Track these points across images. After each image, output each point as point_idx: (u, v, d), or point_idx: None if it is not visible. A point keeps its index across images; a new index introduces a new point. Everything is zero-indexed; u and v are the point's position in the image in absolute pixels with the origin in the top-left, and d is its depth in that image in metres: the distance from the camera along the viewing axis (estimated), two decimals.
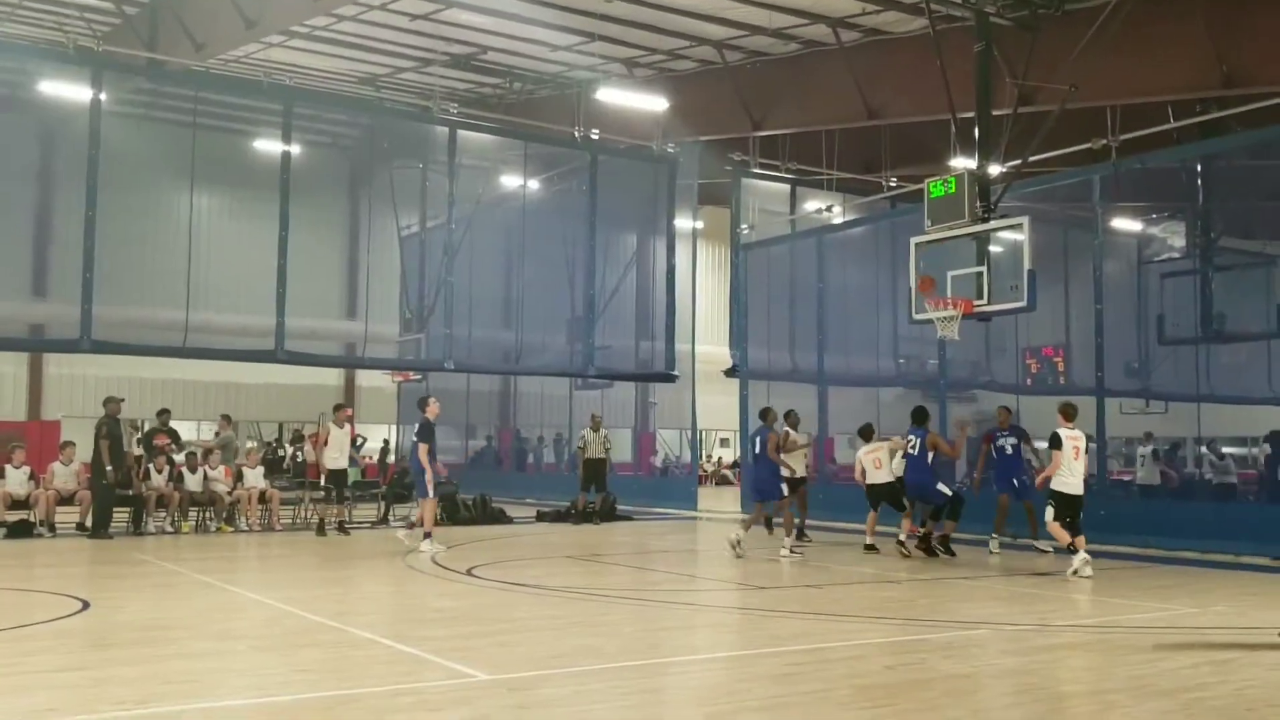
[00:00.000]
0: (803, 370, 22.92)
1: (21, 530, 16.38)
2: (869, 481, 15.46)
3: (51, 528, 16.57)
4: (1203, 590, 11.82)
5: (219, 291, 22.92)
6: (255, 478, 18.34)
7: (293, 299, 18.81)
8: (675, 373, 23.48)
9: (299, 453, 21.70)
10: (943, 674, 7.45)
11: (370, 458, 29.53)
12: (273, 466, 21.33)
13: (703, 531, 20.37)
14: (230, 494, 18.03)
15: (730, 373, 24.88)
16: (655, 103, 21.97)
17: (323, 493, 17.90)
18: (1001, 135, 15.55)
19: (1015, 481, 15.37)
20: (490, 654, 7.93)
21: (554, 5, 20.91)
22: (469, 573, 12.78)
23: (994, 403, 21.56)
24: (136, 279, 23.75)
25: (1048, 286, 17.51)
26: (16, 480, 16.75)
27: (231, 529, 17.82)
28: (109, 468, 16.57)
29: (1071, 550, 12.61)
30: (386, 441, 30.27)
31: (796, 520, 15.82)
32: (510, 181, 25.10)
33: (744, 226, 25.15)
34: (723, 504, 26.35)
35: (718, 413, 28.41)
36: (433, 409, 15.43)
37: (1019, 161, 15.53)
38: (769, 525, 17.22)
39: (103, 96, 17.52)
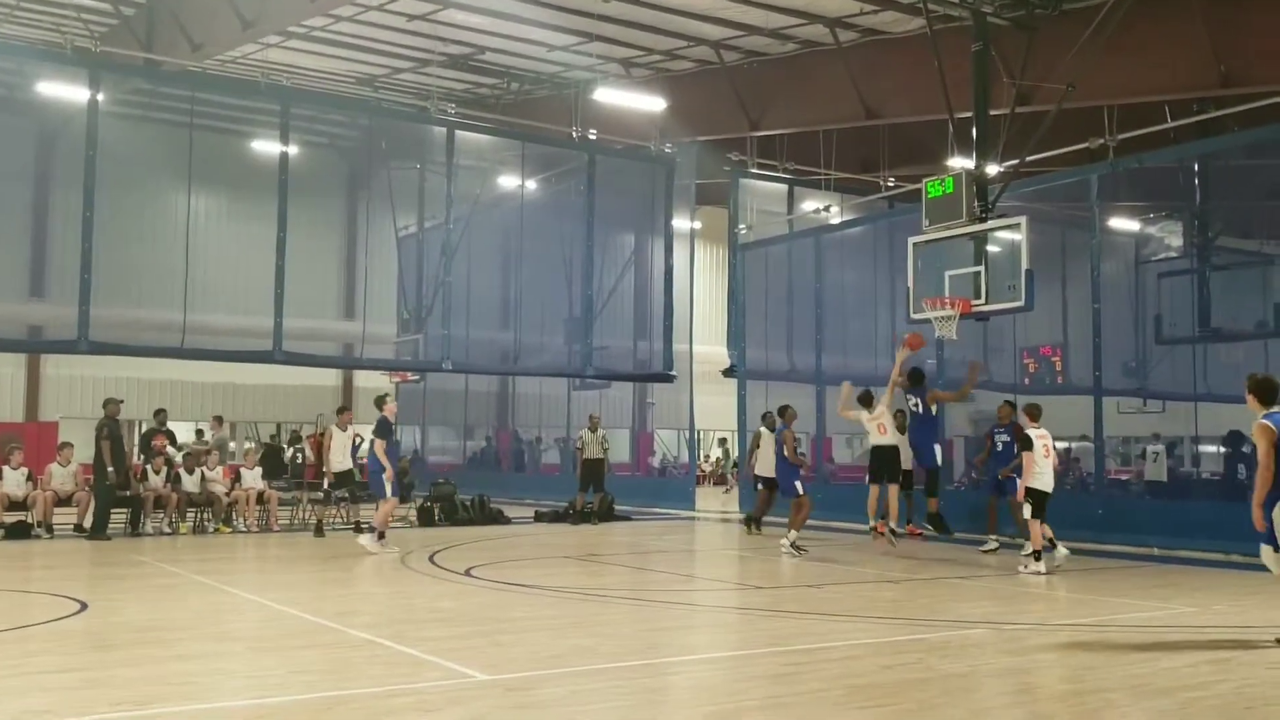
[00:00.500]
0: (800, 370, 22.91)
1: (19, 531, 16.35)
2: (873, 443, 15.27)
3: (49, 529, 16.54)
4: (1204, 588, 11.83)
5: (217, 292, 22.93)
6: (253, 479, 18.33)
7: (290, 300, 18.82)
8: (673, 373, 23.49)
9: (299, 454, 21.69)
10: (940, 673, 7.45)
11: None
12: (276, 466, 21.29)
13: (700, 532, 20.38)
14: (228, 495, 18.02)
15: (728, 373, 24.89)
16: (653, 103, 21.98)
17: (322, 494, 17.89)
18: (999, 135, 15.57)
19: (1000, 478, 15.28)
20: (488, 654, 7.93)
21: (551, 5, 20.91)
22: (467, 573, 12.77)
23: (992, 402, 21.56)
24: (134, 280, 23.76)
25: (1045, 286, 17.53)
26: (14, 481, 16.72)
27: (229, 530, 17.80)
28: (110, 469, 16.57)
29: (1050, 546, 12.86)
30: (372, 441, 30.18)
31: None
32: (508, 182, 25.11)
33: (742, 226, 25.16)
34: (720, 504, 26.37)
35: (716, 413, 28.40)
36: (390, 408, 15.29)
37: (1016, 161, 15.55)
38: (750, 527, 18.00)
39: (100, 97, 17.53)
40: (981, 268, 14.62)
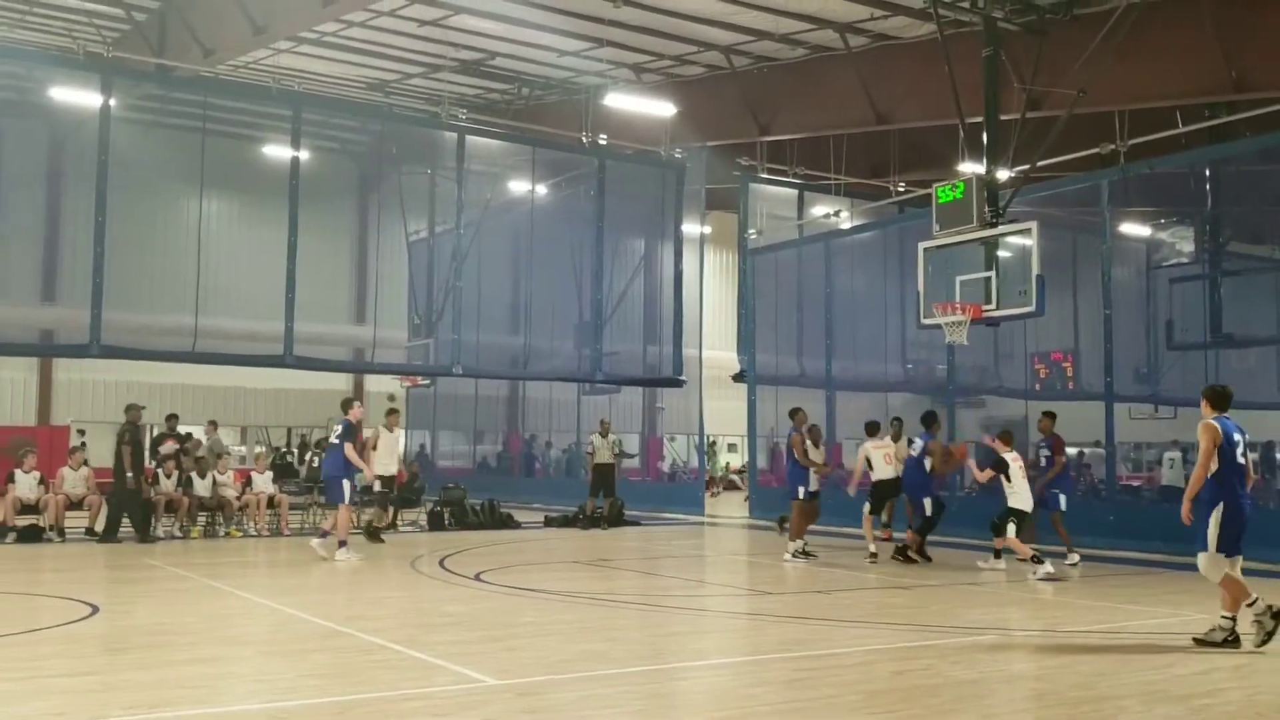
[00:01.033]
0: (810, 375, 22.90)
1: (31, 535, 16.42)
2: (876, 477, 15.31)
3: (61, 532, 16.60)
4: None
5: (228, 296, 22.98)
6: (264, 483, 18.36)
7: (301, 304, 18.86)
8: (683, 378, 23.48)
9: (314, 458, 21.69)
10: (952, 679, 7.43)
11: None
12: (285, 471, 21.33)
13: (710, 537, 20.36)
14: (238, 499, 18.05)
15: (738, 378, 24.88)
16: (663, 108, 21.99)
17: (373, 497, 17.51)
18: (1010, 140, 15.53)
19: (1046, 492, 14.74)
20: (498, 659, 7.93)
21: (562, 11, 20.93)
22: (477, 578, 12.78)
23: (1003, 408, 21.55)
24: (146, 284, 23.79)
25: (1056, 291, 17.51)
26: (26, 485, 16.79)
27: (240, 534, 17.84)
28: (129, 474, 16.66)
29: (1037, 560, 13.03)
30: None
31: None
32: (518, 187, 25.14)
33: (751, 232, 25.14)
34: (730, 509, 26.35)
35: (725, 418, 28.39)
36: (356, 411, 14.91)
37: (1027, 166, 15.51)
38: (781, 526, 17.53)
39: (112, 102, 17.60)
40: (992, 273, 14.58)
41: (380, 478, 17.06)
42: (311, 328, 21.47)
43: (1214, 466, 8.52)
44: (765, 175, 25.52)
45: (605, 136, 22.29)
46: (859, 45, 21.23)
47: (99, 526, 17.03)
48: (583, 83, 24.89)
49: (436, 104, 22.88)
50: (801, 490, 15.15)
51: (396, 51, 24.68)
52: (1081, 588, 12.32)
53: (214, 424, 21.07)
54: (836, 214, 25.29)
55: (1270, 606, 8.36)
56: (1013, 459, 13.60)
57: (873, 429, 15.72)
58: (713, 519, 23.69)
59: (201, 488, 17.72)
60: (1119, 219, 19.42)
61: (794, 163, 25.38)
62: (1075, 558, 14.30)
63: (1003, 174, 15.37)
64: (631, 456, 28.62)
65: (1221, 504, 8.49)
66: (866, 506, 15.34)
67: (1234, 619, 8.52)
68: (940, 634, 9.15)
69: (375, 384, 34.20)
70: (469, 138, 21.20)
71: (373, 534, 16.96)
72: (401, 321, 25.61)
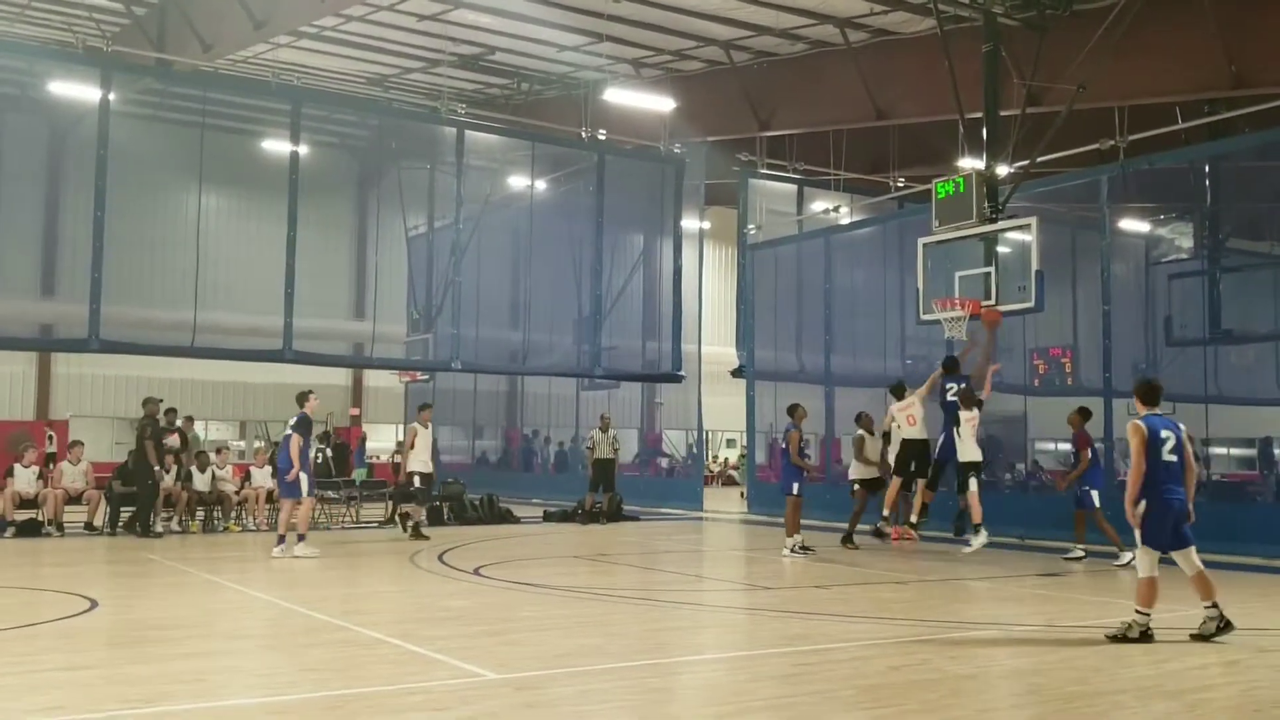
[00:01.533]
0: (809, 371, 22.90)
1: (30, 529, 16.44)
2: (903, 437, 15.31)
3: (60, 527, 16.62)
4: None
5: (227, 291, 23.00)
6: (263, 478, 18.36)
7: (301, 299, 18.86)
8: (681, 373, 23.49)
9: (320, 454, 21.66)
10: (949, 675, 7.45)
11: (379, 457, 29.61)
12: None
13: (708, 532, 20.38)
14: (238, 494, 18.06)
15: (737, 373, 24.88)
16: (662, 103, 21.98)
17: (417, 494, 17.27)
18: (1009, 136, 15.54)
19: (1078, 490, 14.69)
20: (497, 653, 7.95)
21: (561, 6, 20.92)
22: (476, 572, 12.80)
23: (1003, 403, 21.53)
24: (145, 279, 23.80)
25: (1055, 287, 17.50)
26: (25, 479, 16.80)
27: (239, 528, 17.85)
28: (156, 467, 16.74)
29: (975, 530, 14.15)
30: (400, 443, 30.26)
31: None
32: (517, 182, 25.12)
33: (751, 227, 25.14)
34: (728, 505, 26.38)
35: (724, 413, 28.39)
36: (312, 404, 14.92)
37: (1027, 162, 15.52)
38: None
39: (111, 97, 17.58)
40: (992, 268, 14.60)
41: (419, 474, 16.97)
42: (311, 323, 21.49)
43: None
44: (765, 170, 25.52)
45: (604, 131, 22.28)
46: (859, 40, 21.22)
47: (98, 521, 17.06)
48: (582, 77, 24.89)
49: (436, 99, 22.90)
50: (796, 485, 15.15)
51: (396, 46, 24.67)
52: (1079, 584, 12.33)
53: (189, 419, 21.06)
54: (836, 209, 25.30)
55: (1147, 632, 8.44)
56: (966, 418, 14.47)
57: (899, 391, 15.79)
58: (713, 514, 23.72)
59: (201, 482, 17.74)
60: (1118, 215, 19.40)
61: (793, 158, 25.38)
62: (1127, 556, 13.40)
63: (1002, 169, 15.37)
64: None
65: (1145, 501, 8.60)
66: (895, 481, 15.42)
67: (1216, 605, 8.57)
68: (937, 629, 9.17)
69: (374, 379, 34.29)
70: (468, 133, 21.18)
71: (416, 531, 16.89)
72: (401, 316, 25.62)
